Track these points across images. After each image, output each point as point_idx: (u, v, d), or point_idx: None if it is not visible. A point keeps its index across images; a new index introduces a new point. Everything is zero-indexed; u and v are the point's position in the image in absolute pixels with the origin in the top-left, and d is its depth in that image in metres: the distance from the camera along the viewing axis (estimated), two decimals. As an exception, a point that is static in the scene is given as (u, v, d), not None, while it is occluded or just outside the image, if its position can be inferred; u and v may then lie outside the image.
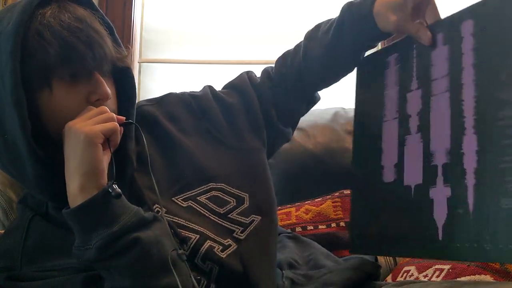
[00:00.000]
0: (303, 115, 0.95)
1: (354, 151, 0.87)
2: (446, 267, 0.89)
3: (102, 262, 0.64)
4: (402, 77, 0.77)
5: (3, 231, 0.84)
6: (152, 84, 2.08)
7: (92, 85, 0.69)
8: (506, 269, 0.84)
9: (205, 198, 0.78)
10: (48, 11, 0.67)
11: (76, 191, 0.64)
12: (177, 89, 0.90)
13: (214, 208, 0.77)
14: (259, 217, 0.79)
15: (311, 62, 0.86)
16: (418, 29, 0.73)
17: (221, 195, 0.79)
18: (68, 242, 0.67)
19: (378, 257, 1.09)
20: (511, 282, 0.82)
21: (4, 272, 0.71)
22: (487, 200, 0.60)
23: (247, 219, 0.78)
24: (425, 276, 0.92)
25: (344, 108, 1.50)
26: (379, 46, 1.04)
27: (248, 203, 0.80)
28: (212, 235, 0.74)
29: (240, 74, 0.93)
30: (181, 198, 0.77)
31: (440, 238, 0.65)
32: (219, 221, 0.77)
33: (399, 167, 0.75)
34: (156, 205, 0.73)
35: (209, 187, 0.79)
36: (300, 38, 0.91)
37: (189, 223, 0.74)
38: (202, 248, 0.72)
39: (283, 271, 0.84)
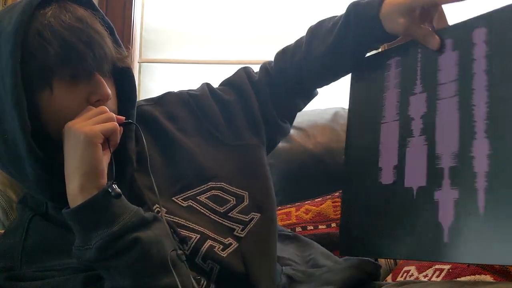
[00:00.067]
0: (301, 110, 0.95)
1: (347, 151, 0.87)
2: (446, 267, 0.89)
3: (102, 262, 0.64)
4: (404, 80, 0.78)
5: (3, 231, 0.84)
6: (152, 84, 2.08)
7: (92, 85, 0.69)
8: (506, 269, 0.84)
9: (205, 198, 0.78)
10: (49, 11, 0.67)
11: (76, 191, 0.64)
12: (177, 89, 0.90)
13: (214, 207, 0.78)
14: (259, 214, 0.79)
15: (312, 60, 0.86)
16: (425, 34, 0.74)
17: (221, 194, 0.79)
18: (68, 242, 0.67)
19: (378, 257, 1.09)
20: (511, 282, 0.82)
21: (4, 272, 0.71)
22: (499, 203, 0.61)
23: (247, 217, 0.78)
24: (425, 276, 0.92)
25: (344, 108, 1.50)
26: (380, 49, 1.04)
27: (247, 201, 0.80)
28: (213, 235, 0.74)
29: (238, 70, 0.93)
30: (181, 198, 0.77)
31: (446, 241, 0.65)
32: (219, 220, 0.77)
33: (399, 169, 0.75)
34: (156, 205, 0.73)
35: (209, 186, 0.79)
36: (300, 38, 0.91)
37: (189, 223, 0.74)
38: (202, 248, 0.72)
39: (283, 267, 0.84)
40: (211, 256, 0.72)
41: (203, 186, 0.79)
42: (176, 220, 0.74)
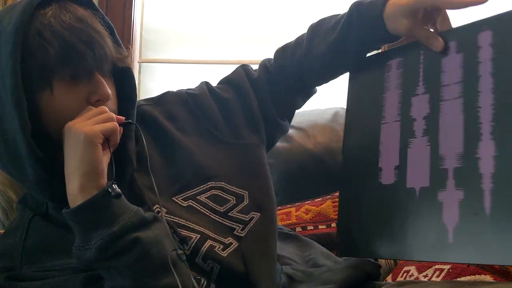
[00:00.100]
0: (300, 108, 0.95)
1: (345, 152, 0.87)
2: (446, 267, 0.89)
3: (102, 262, 0.64)
4: (405, 81, 0.78)
5: (3, 231, 0.84)
6: (152, 84, 2.09)
7: (92, 85, 0.69)
8: (506, 269, 0.85)
9: (205, 197, 0.78)
10: (49, 11, 0.67)
11: (76, 191, 0.64)
12: (176, 89, 0.90)
13: (214, 207, 0.78)
14: (259, 214, 0.79)
15: (313, 58, 0.86)
16: (428, 35, 0.74)
17: (221, 194, 0.79)
18: (68, 242, 0.67)
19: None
20: (511, 282, 0.82)
21: (4, 272, 0.71)
22: (506, 205, 0.61)
23: (247, 216, 0.78)
24: (425, 276, 0.92)
25: (344, 108, 1.49)
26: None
27: (247, 200, 0.80)
28: (213, 235, 0.74)
29: (236, 68, 0.93)
30: (181, 198, 0.77)
31: (451, 241, 0.66)
32: (219, 220, 0.77)
33: (401, 169, 0.75)
34: (156, 205, 0.73)
35: (208, 186, 0.79)
36: (300, 38, 0.90)
37: (189, 222, 0.74)
38: (202, 248, 0.72)
39: (282, 267, 0.84)
40: (211, 256, 0.72)
41: (202, 186, 0.79)
42: (176, 220, 0.74)
